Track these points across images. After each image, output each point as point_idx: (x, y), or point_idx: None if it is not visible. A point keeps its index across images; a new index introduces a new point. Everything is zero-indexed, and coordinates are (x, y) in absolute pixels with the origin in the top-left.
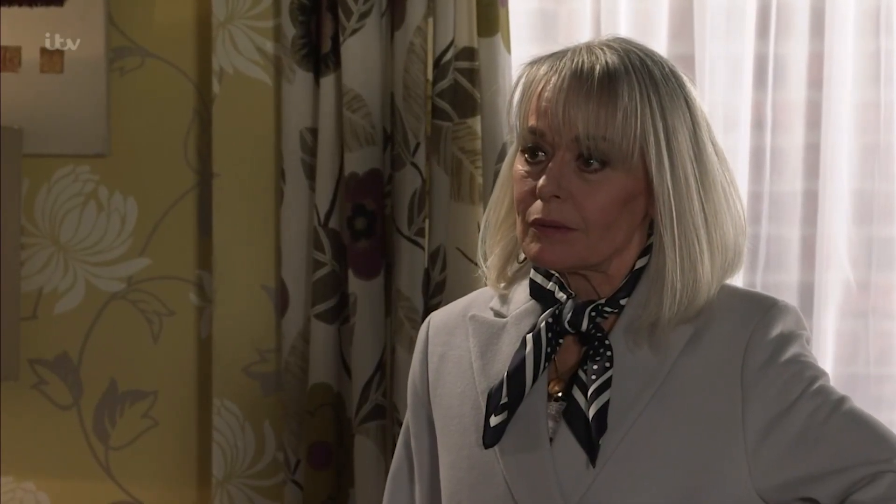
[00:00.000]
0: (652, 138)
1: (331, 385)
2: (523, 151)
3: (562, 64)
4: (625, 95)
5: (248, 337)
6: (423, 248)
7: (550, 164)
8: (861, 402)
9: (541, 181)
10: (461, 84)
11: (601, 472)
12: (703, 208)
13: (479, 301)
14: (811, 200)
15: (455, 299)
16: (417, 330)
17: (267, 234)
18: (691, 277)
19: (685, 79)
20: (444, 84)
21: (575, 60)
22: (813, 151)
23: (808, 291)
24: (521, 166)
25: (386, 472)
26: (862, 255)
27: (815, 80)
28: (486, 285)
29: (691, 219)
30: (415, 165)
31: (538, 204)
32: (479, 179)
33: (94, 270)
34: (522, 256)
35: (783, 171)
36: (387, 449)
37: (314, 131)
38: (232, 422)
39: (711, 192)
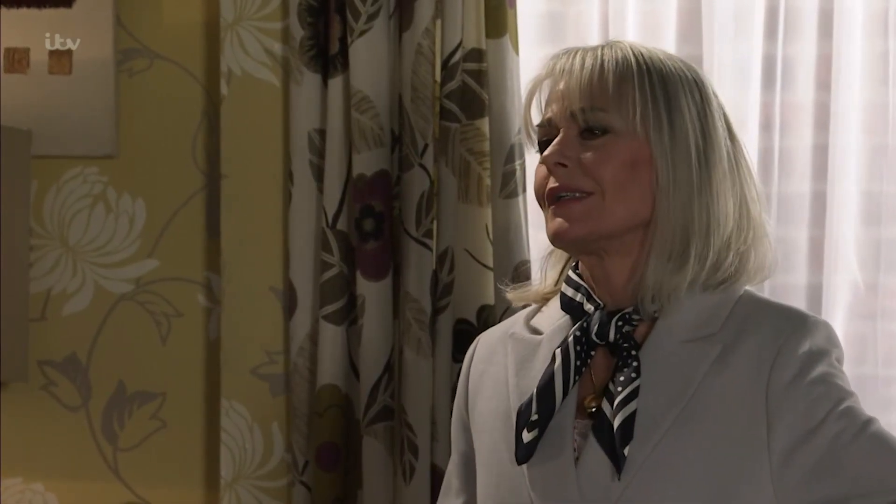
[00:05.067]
0: (650, 106)
1: (339, 386)
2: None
3: (562, 59)
4: (619, 68)
5: (256, 338)
6: (431, 249)
7: (556, 138)
8: (869, 403)
9: (545, 152)
10: (469, 85)
11: (628, 487)
12: (702, 186)
13: (521, 319)
14: (819, 202)
15: (463, 301)
16: (425, 331)
17: (275, 235)
18: (680, 250)
19: (702, 73)
20: (452, 85)
21: (570, 54)
22: (821, 153)
23: (816, 293)
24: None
25: (393, 474)
26: (870, 257)
27: (824, 82)
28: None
29: (688, 189)
30: (423, 167)
31: (550, 179)
32: (487, 181)
33: (102, 272)
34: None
35: (791, 173)
36: (394, 451)
37: (322, 133)
38: (240, 423)
39: (715, 169)
